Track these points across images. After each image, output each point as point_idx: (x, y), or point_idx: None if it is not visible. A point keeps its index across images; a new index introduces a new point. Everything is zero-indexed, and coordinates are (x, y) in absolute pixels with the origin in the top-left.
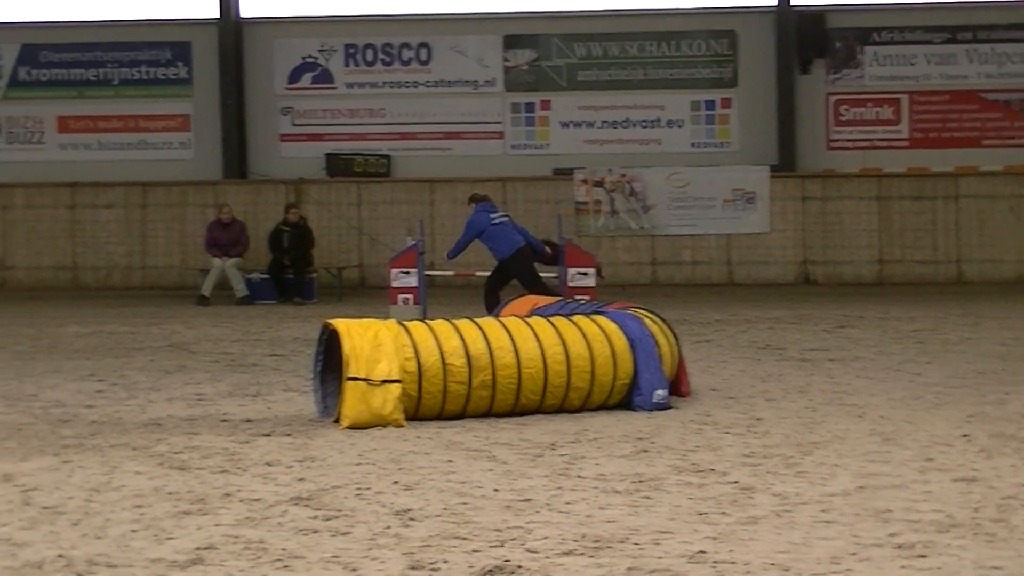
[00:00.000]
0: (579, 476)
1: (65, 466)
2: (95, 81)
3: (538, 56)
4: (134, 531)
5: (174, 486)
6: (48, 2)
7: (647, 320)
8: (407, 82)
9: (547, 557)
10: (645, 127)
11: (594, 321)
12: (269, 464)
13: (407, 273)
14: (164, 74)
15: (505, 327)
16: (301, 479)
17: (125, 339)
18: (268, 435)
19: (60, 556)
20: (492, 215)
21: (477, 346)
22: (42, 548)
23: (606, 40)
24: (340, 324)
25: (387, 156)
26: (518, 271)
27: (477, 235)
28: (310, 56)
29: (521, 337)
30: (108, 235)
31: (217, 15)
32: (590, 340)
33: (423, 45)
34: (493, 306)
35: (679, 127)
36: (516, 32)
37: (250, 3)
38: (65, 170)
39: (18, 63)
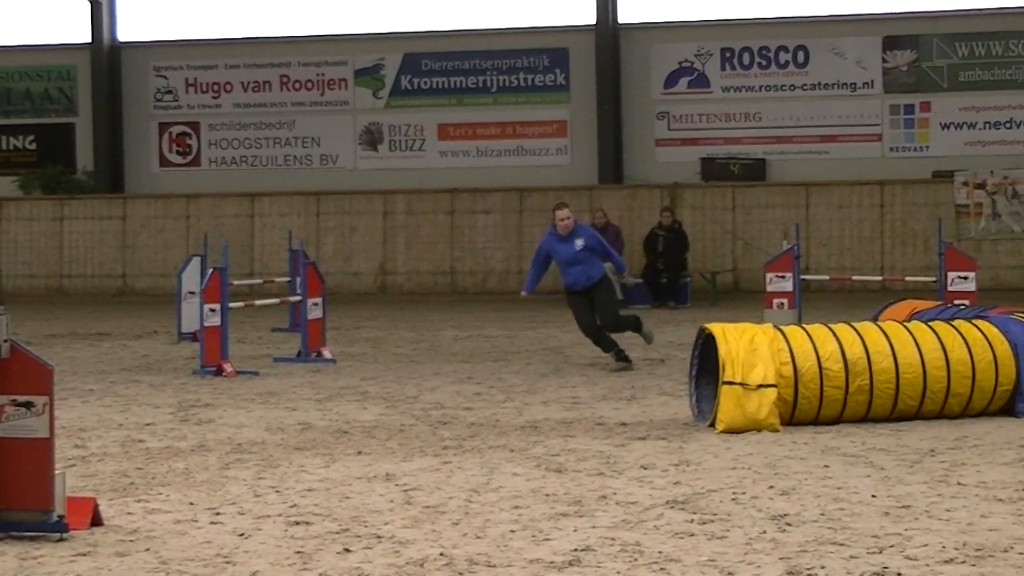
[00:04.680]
0: (959, 483)
1: (445, 467)
2: (474, 88)
3: (918, 57)
4: (513, 531)
5: (551, 488)
6: (428, 13)
7: None
8: (784, 85)
9: (927, 565)
10: None
11: (975, 326)
12: (644, 467)
13: (782, 277)
14: (542, 80)
15: (883, 331)
16: (677, 483)
17: (502, 343)
18: (643, 438)
19: (442, 555)
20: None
21: (854, 351)
22: (424, 546)
23: (990, 39)
24: (716, 328)
25: (762, 160)
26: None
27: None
28: (686, 60)
29: (900, 342)
30: (486, 240)
31: (594, 21)
32: (971, 345)
33: (800, 48)
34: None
35: None
36: (896, 33)
37: (627, 9)
38: (445, 176)
39: (400, 72)
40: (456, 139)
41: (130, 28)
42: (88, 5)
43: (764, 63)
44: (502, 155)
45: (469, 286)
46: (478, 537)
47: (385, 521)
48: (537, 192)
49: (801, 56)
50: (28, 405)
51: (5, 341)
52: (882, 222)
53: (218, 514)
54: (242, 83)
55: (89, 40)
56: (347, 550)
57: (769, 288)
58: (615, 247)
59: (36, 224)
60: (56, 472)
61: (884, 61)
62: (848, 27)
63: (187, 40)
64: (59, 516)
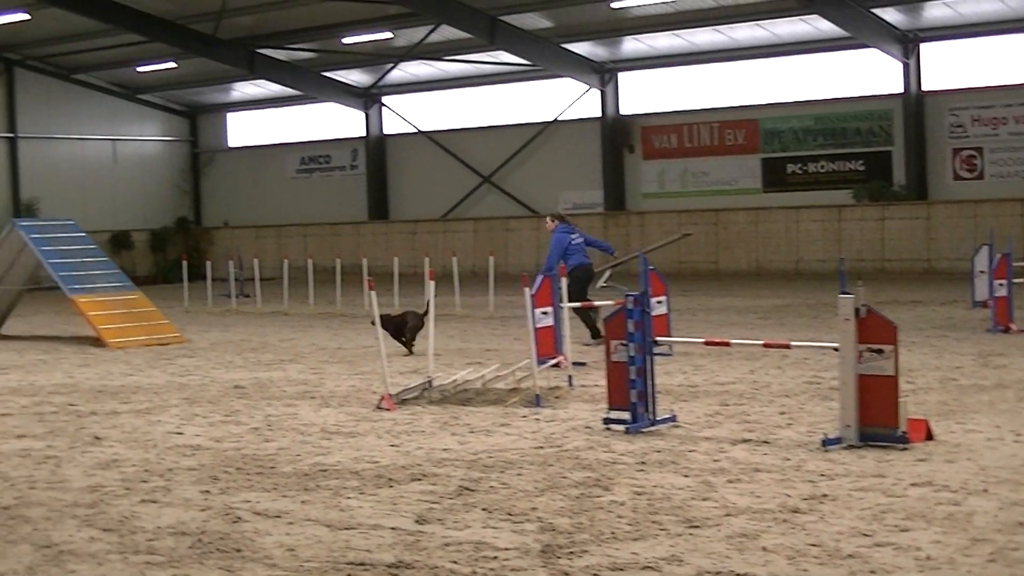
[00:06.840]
0: None
1: None
2: None
3: None
4: None
5: None
6: None
7: None
8: None
9: None
10: None
11: None
12: None
13: None
14: None
15: None
16: None
17: None
18: None
19: None
20: (572, 235)
21: None
22: None
23: None
24: None
25: None
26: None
27: (563, 251)
28: None
29: None
30: None
31: None
32: None
33: None
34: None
35: None
36: None
37: None
38: None
39: None
40: None
41: (931, 81)
42: (901, 66)
43: None
44: None
45: None
46: None
47: None
48: None
49: None
50: (879, 351)
51: (863, 305)
52: None
53: (1019, 435)
54: (1014, 118)
55: (902, 91)
56: None
57: None
58: None
59: (864, 223)
60: (900, 400)
61: None
62: None
63: (973, 88)
64: (903, 432)
